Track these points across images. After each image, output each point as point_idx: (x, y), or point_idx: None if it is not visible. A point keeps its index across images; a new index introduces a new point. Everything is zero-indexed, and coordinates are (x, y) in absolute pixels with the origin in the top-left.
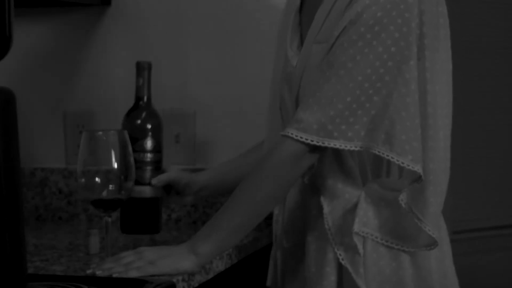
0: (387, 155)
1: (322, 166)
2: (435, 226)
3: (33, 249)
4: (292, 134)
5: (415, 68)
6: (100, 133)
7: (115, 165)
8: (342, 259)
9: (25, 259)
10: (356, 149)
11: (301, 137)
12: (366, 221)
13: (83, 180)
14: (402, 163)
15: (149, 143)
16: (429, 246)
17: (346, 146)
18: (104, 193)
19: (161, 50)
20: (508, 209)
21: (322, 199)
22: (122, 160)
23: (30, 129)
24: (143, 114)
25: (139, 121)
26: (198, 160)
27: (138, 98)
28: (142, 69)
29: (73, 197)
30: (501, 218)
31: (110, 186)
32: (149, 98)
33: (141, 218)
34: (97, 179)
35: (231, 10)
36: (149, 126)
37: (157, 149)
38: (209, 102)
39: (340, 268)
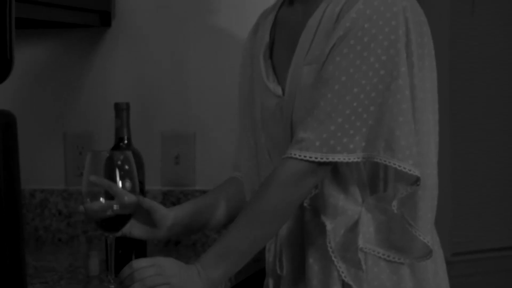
0: (389, 162)
1: (322, 186)
2: (427, 232)
3: (33, 272)
4: (295, 154)
5: (406, 74)
6: (105, 153)
7: (120, 184)
8: (345, 276)
9: (25, 282)
10: (359, 160)
11: (304, 156)
12: (369, 237)
13: (88, 199)
14: (404, 168)
15: (129, 183)
16: (425, 255)
17: (349, 159)
18: (109, 213)
19: (161, 71)
20: (507, 231)
21: (323, 218)
22: (127, 179)
23: (30, 150)
24: None
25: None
26: (198, 182)
27: (119, 139)
28: (121, 109)
29: (73, 219)
30: (501, 240)
31: (115, 206)
32: (129, 138)
33: (129, 256)
34: (101, 199)
35: (233, 30)
36: None
37: (139, 189)
38: (209, 123)
39: (344, 285)
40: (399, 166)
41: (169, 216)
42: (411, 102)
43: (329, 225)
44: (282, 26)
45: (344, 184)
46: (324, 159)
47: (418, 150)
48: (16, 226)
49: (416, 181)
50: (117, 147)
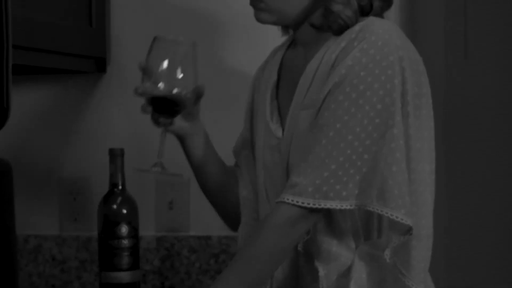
0: (381, 211)
1: (316, 231)
2: (420, 281)
3: None
4: (288, 199)
5: (401, 123)
6: (171, 39)
7: (180, 74)
8: None
9: None
10: (352, 207)
11: (297, 201)
12: (361, 283)
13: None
14: (396, 217)
15: (124, 229)
16: None
17: (342, 206)
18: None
19: None
20: (502, 277)
21: (317, 263)
22: (188, 69)
23: (24, 195)
24: (118, 200)
25: (114, 207)
26: (193, 227)
27: (113, 185)
28: (115, 155)
29: (67, 265)
30: (496, 285)
31: (175, 90)
32: (123, 184)
33: None
34: (161, 83)
35: (227, 77)
36: (124, 212)
37: (133, 234)
38: None
39: None
40: (392, 215)
41: (203, 131)
42: (406, 152)
43: (321, 271)
44: (287, 68)
45: (337, 230)
46: (316, 205)
47: (413, 199)
48: (11, 272)
49: (408, 230)
50: (111, 192)
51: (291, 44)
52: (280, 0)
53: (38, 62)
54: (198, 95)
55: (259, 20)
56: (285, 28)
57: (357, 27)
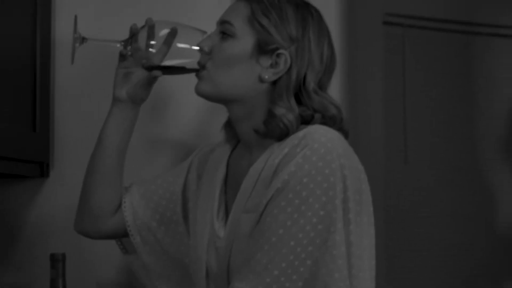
0: None
1: None
2: None
3: None
4: None
5: (342, 230)
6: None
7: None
8: None
9: None
10: None
11: None
12: None
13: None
14: None
15: None
16: None
17: None
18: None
19: None
20: None
21: None
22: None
23: None
24: None
25: None
26: None
27: None
28: (57, 260)
29: None
30: None
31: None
32: None
33: None
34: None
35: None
36: None
37: None
38: None
39: None
40: None
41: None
42: (348, 259)
43: None
44: (233, 166)
45: None
46: None
47: None
48: None
49: None
50: None
51: (239, 142)
52: (223, 72)
53: None
54: (151, 79)
55: (196, 91)
56: (230, 132)
57: (300, 134)
